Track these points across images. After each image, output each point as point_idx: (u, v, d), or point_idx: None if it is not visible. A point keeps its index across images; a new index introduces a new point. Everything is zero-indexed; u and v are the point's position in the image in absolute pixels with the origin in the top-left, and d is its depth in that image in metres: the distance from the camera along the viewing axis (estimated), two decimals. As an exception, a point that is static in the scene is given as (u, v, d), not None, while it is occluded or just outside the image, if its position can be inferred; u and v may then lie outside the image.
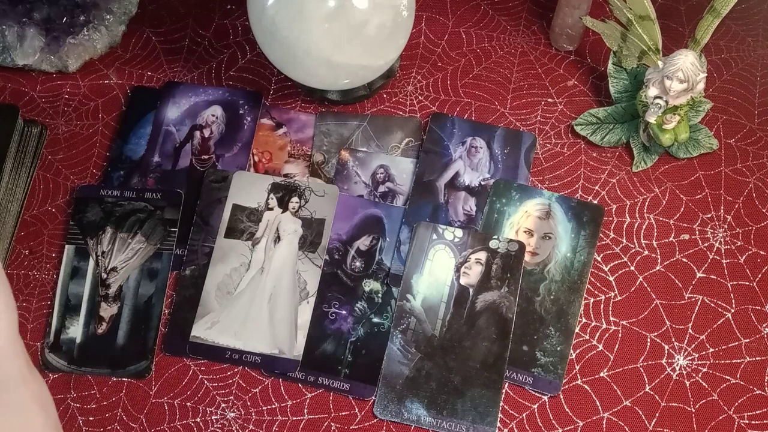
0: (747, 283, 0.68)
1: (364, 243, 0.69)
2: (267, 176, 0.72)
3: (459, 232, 0.68)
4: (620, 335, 0.66)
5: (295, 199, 0.70)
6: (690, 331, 0.66)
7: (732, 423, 0.63)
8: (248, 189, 0.71)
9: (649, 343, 0.65)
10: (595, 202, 0.71)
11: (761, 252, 0.69)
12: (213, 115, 0.75)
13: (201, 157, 0.73)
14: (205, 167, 0.73)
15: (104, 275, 0.68)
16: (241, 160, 0.73)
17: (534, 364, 0.64)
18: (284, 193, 0.70)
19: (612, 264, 0.68)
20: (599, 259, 0.69)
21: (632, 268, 0.68)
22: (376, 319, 0.66)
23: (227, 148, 0.74)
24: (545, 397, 0.64)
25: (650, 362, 0.65)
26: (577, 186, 0.72)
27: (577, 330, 0.66)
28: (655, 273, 0.68)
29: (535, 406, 0.64)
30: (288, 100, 0.77)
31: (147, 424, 0.63)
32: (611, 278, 0.68)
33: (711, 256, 0.69)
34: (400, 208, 0.70)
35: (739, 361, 0.65)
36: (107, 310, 0.67)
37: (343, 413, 0.64)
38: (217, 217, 0.70)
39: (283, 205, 0.70)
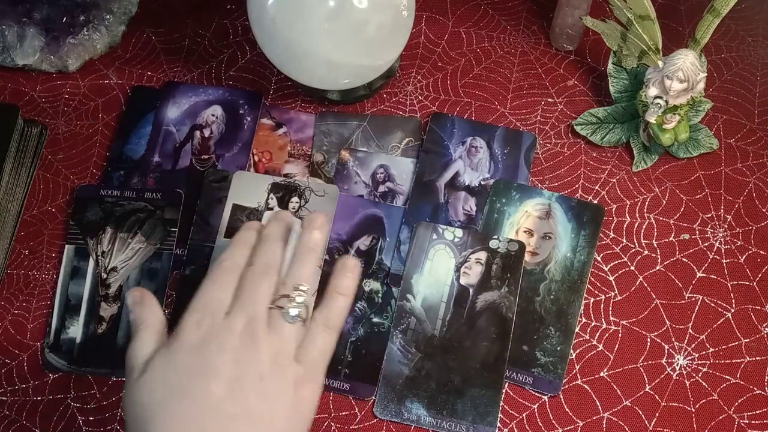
0: (747, 283, 0.68)
1: (364, 243, 0.69)
2: (267, 176, 0.72)
3: (459, 232, 0.68)
4: (620, 335, 0.66)
5: (295, 199, 0.70)
6: (690, 331, 0.66)
7: (732, 423, 0.63)
8: (248, 189, 0.71)
9: (649, 343, 0.65)
10: (595, 201, 0.71)
11: (761, 252, 0.69)
12: (213, 115, 0.75)
13: (201, 157, 0.73)
14: (205, 167, 0.73)
15: (104, 275, 0.68)
16: (241, 160, 0.73)
17: (534, 364, 0.64)
18: (284, 193, 0.70)
19: (612, 264, 0.68)
20: (599, 258, 0.69)
21: (632, 267, 0.68)
22: (376, 319, 0.66)
23: (227, 148, 0.74)
24: (545, 397, 0.64)
25: (650, 362, 0.65)
26: (577, 186, 0.72)
27: (577, 330, 0.66)
28: (655, 273, 0.68)
29: (535, 406, 0.64)
30: (288, 100, 0.77)
31: (147, 424, 0.63)
32: (611, 278, 0.68)
33: (711, 256, 0.69)
34: (400, 208, 0.70)
35: (739, 360, 0.65)
36: (107, 310, 0.67)
37: (343, 413, 0.64)
38: (217, 217, 0.70)
39: (283, 204, 0.70)
